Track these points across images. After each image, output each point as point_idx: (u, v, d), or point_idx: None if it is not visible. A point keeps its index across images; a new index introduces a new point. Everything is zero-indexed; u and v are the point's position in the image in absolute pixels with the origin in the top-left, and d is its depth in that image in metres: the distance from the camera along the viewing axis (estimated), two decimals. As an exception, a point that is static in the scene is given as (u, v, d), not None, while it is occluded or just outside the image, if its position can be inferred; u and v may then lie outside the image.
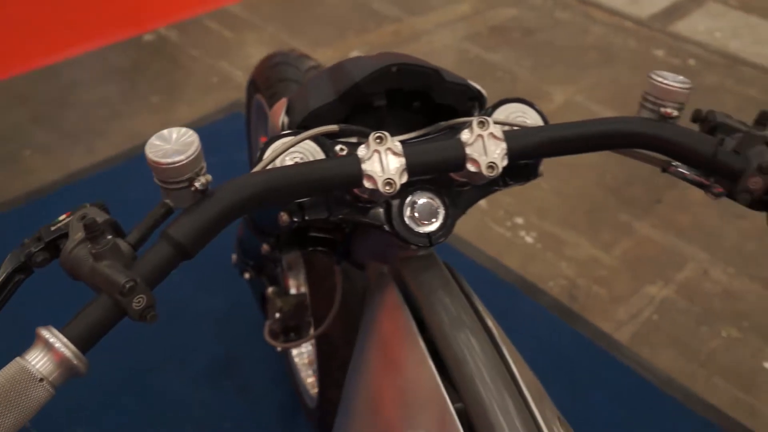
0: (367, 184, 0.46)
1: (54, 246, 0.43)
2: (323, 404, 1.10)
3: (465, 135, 0.49)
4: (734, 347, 1.45)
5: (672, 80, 0.52)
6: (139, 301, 0.39)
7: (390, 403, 0.53)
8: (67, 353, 0.37)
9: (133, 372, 1.35)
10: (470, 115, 0.58)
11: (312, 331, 1.10)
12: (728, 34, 2.51)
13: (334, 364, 1.02)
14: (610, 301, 1.53)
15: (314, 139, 0.52)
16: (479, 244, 1.64)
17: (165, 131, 0.43)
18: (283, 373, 1.35)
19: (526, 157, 0.51)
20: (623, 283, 1.58)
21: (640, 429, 1.30)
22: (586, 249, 1.66)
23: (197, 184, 0.42)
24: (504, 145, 0.48)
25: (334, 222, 0.54)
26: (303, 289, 1.21)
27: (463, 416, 0.48)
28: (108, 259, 0.40)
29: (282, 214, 0.53)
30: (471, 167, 0.48)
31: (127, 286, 0.38)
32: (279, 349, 1.31)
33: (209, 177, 0.43)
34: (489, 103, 0.59)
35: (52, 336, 0.37)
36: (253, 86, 1.15)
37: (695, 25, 2.55)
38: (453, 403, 0.48)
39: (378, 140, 0.47)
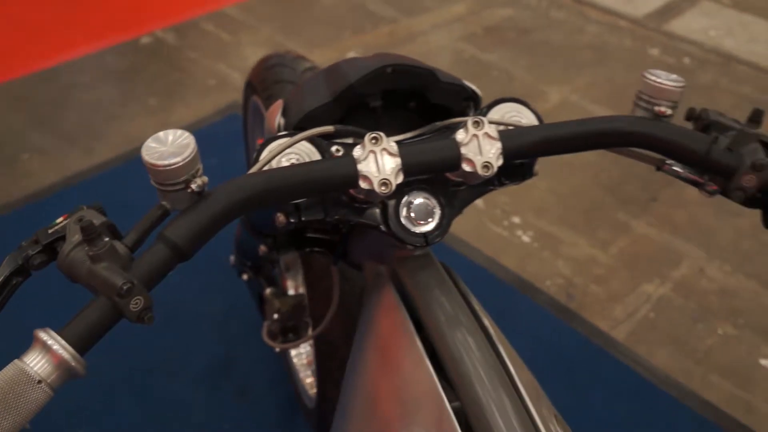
0: (362, 184, 0.47)
1: (51, 249, 0.43)
2: (322, 404, 1.10)
3: (460, 135, 0.49)
4: (730, 344, 1.45)
5: (665, 79, 0.52)
6: (136, 303, 0.39)
7: (387, 402, 0.53)
8: (66, 355, 0.37)
9: (132, 373, 1.35)
10: (465, 115, 0.58)
11: (310, 331, 1.10)
12: (722, 32, 2.52)
13: (333, 364, 1.03)
14: (607, 300, 1.54)
15: (310, 140, 0.52)
16: (477, 244, 1.65)
17: (161, 133, 0.43)
18: (281, 373, 1.35)
19: (521, 156, 0.51)
20: (620, 282, 1.58)
21: (638, 426, 1.30)
22: (583, 248, 1.66)
23: (194, 186, 0.42)
24: (499, 144, 0.49)
25: (331, 223, 0.55)
26: (301, 290, 1.21)
27: (460, 415, 0.48)
28: (105, 261, 0.40)
29: (279, 215, 0.54)
30: (466, 167, 0.48)
31: (125, 287, 0.39)
32: (277, 349, 1.31)
33: (205, 179, 0.43)
34: (484, 103, 0.59)
35: (50, 338, 0.37)
36: (250, 88, 1.16)
37: (690, 24, 2.56)
38: (450, 401, 0.48)
39: (373, 141, 0.47)
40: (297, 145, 0.52)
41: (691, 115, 0.55)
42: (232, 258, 1.17)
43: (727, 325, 1.49)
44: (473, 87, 0.58)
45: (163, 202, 0.44)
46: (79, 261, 0.40)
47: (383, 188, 0.46)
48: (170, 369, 1.36)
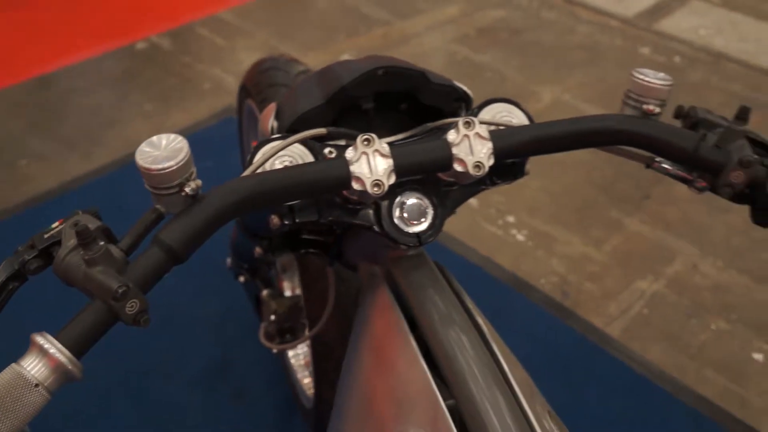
0: (355, 185, 0.47)
1: (47, 253, 0.43)
2: (320, 405, 1.11)
3: (451, 135, 0.49)
4: (724, 339, 1.46)
5: (653, 77, 0.53)
6: (132, 306, 0.40)
7: (383, 401, 0.53)
8: (62, 358, 0.38)
9: (128, 376, 1.35)
10: (457, 115, 0.59)
11: (307, 332, 1.10)
12: (712, 31, 2.54)
13: (329, 364, 1.03)
14: (602, 297, 1.55)
15: (303, 142, 0.53)
16: (471, 243, 1.65)
17: (155, 138, 0.43)
18: (278, 375, 1.36)
19: (512, 155, 0.51)
20: (614, 279, 1.59)
21: (632, 422, 1.31)
22: (577, 246, 1.67)
23: (187, 189, 0.43)
24: (490, 144, 0.49)
25: (325, 224, 0.55)
26: (297, 291, 1.21)
27: (455, 412, 0.48)
28: (100, 265, 0.40)
29: (273, 217, 0.54)
30: (458, 167, 0.49)
31: (120, 291, 0.39)
32: (274, 350, 1.31)
33: (199, 182, 0.44)
34: (475, 104, 0.60)
35: (46, 342, 0.38)
36: (244, 91, 1.16)
37: (680, 23, 2.58)
38: (444, 399, 0.49)
39: (365, 142, 0.47)
40: (290, 147, 0.52)
41: (679, 113, 0.56)
42: (228, 260, 1.17)
43: (720, 321, 1.50)
44: (464, 88, 0.59)
45: (158, 206, 0.44)
46: (75, 265, 0.41)
47: (376, 189, 0.47)
48: (166, 371, 1.36)
